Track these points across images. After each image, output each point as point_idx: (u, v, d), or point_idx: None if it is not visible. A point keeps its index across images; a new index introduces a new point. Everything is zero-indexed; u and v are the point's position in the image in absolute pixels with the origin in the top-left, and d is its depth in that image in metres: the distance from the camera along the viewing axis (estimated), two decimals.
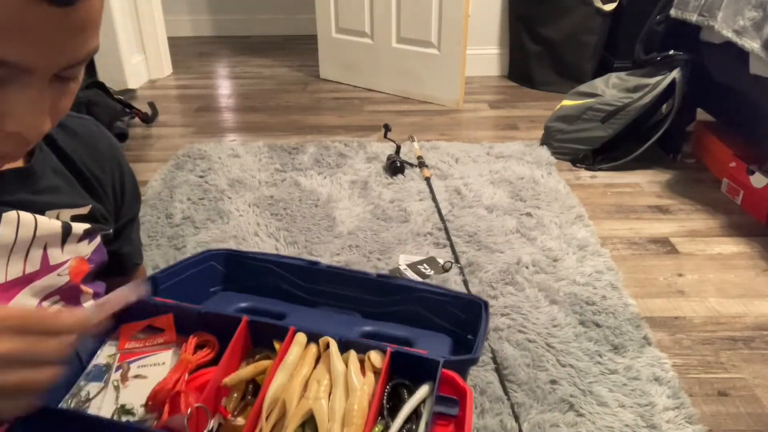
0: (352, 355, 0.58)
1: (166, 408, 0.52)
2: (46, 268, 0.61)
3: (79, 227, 0.64)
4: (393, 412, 0.54)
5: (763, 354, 1.26)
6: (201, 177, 1.96)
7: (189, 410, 0.50)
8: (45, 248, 0.61)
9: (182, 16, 3.80)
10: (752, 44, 1.56)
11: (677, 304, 1.41)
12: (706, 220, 1.76)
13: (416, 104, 2.72)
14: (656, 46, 2.02)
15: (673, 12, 1.92)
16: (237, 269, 0.84)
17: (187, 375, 0.56)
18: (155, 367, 0.58)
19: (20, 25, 0.41)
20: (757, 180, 1.74)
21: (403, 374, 0.58)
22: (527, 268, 1.50)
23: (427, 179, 1.93)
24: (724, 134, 2.02)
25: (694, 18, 1.81)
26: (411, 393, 0.56)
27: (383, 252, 1.57)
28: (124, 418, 0.53)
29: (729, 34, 1.64)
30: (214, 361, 0.58)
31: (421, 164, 2.02)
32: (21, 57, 0.43)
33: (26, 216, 0.59)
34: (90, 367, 0.58)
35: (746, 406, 1.13)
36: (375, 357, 0.57)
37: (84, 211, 0.66)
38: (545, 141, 2.20)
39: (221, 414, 0.53)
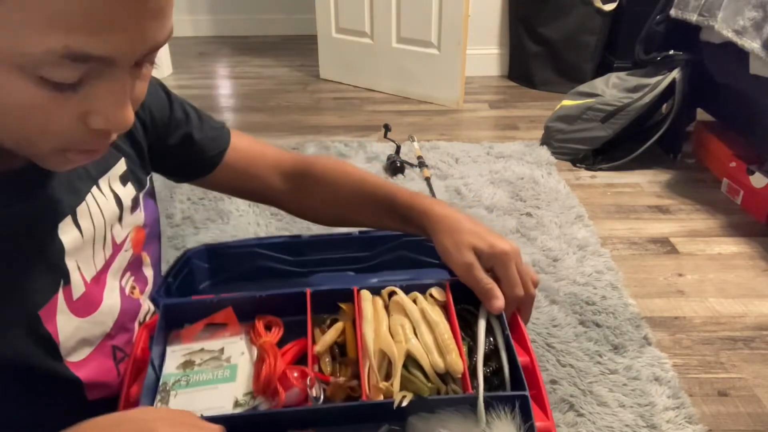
0: (418, 296, 0.63)
1: (279, 389, 0.55)
2: (116, 247, 0.62)
3: (126, 197, 0.64)
4: (465, 331, 0.61)
5: (763, 354, 1.26)
6: None
7: (308, 379, 0.55)
8: (111, 229, 0.61)
9: (182, 16, 3.79)
10: (752, 44, 1.56)
11: (677, 304, 1.41)
12: (706, 220, 1.76)
13: (416, 104, 2.72)
14: (656, 46, 2.01)
15: (673, 12, 1.91)
16: (221, 261, 0.86)
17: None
18: (240, 356, 0.59)
19: (101, 16, 0.38)
20: (757, 180, 1.74)
21: (457, 301, 0.63)
22: None
23: (427, 179, 1.93)
24: (724, 134, 2.02)
25: (694, 18, 1.81)
26: (472, 314, 0.62)
27: None
28: (236, 410, 0.55)
29: (729, 34, 1.64)
30: (282, 339, 0.61)
31: (421, 164, 2.02)
32: (104, 50, 0.39)
33: (91, 203, 0.58)
34: (164, 375, 0.57)
35: (746, 406, 1.13)
36: (437, 292, 0.63)
37: (122, 167, 0.64)
38: (545, 141, 2.20)
39: (322, 379, 0.57)
